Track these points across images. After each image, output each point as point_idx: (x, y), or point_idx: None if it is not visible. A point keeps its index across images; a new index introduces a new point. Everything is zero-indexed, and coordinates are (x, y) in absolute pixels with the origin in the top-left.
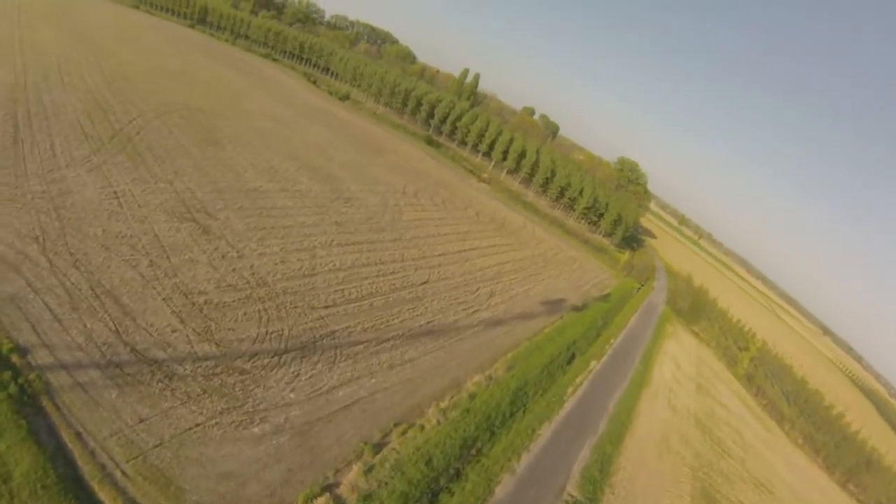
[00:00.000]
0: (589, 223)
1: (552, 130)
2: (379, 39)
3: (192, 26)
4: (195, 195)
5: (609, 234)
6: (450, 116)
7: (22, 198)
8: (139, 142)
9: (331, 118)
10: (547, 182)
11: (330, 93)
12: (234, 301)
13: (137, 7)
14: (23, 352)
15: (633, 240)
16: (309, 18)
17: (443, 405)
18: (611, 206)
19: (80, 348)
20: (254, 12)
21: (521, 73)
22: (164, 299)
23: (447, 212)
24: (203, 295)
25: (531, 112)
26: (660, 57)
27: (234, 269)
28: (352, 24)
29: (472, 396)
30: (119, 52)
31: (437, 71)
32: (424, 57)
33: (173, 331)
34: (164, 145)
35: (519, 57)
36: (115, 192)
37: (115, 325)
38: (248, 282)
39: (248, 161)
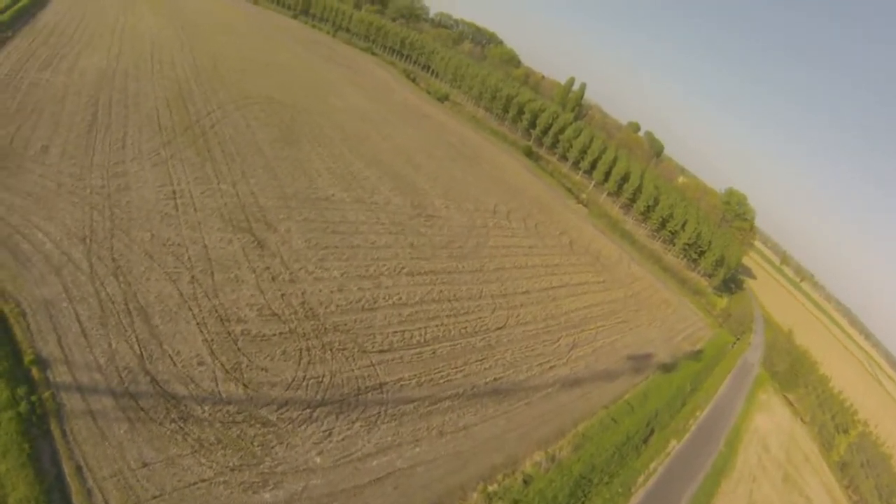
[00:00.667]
0: (688, 259)
1: (657, 150)
2: (484, 40)
3: (294, 17)
4: (258, 201)
5: (708, 275)
6: (552, 128)
7: (81, 192)
8: (212, 136)
9: (425, 120)
10: (648, 210)
11: (428, 92)
12: (274, 334)
13: None
14: (43, 365)
15: (732, 281)
16: (413, 14)
17: (490, 489)
18: (714, 245)
19: (100, 370)
20: (357, 6)
21: (628, 84)
22: (197, 324)
23: (539, 238)
24: (241, 323)
25: (636, 128)
26: (786, 71)
27: (282, 295)
28: (456, 22)
29: (526, 481)
30: (215, 41)
31: (542, 77)
32: (530, 61)
33: (200, 363)
34: (237, 141)
35: (628, 67)
36: (173, 192)
37: (140, 349)
38: (295, 312)
39: (325, 164)
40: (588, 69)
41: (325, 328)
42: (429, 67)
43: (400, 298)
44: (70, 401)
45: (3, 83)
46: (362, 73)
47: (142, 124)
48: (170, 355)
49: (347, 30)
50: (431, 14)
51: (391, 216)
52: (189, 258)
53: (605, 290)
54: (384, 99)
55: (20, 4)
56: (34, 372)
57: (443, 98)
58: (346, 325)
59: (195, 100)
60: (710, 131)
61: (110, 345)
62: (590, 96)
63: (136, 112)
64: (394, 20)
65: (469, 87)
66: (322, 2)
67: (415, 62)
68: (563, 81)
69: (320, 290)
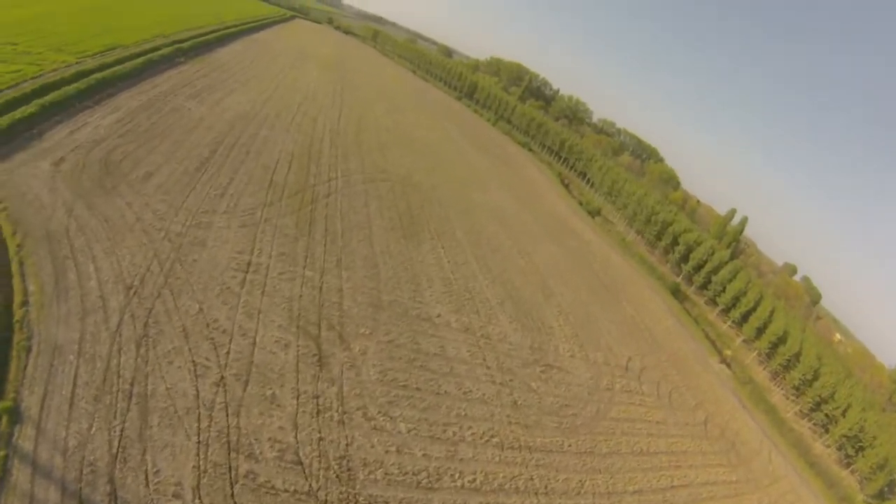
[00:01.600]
0: (842, 453)
1: (813, 298)
2: (644, 154)
3: (458, 98)
4: (342, 302)
5: (865, 479)
6: (706, 266)
7: (155, 234)
8: (322, 208)
9: (571, 236)
10: (803, 384)
11: (580, 203)
12: (287, 490)
13: (414, 71)
14: (16, 419)
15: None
16: (576, 116)
17: None
18: (878, 442)
19: (64, 454)
20: (522, 99)
21: (789, 219)
22: (198, 442)
23: (671, 411)
24: (252, 461)
25: (792, 271)
26: None
27: (320, 439)
28: (619, 131)
29: None
30: (369, 107)
31: (698, 202)
32: (688, 183)
33: (176, 495)
34: (348, 220)
35: (789, 202)
36: (248, 264)
37: (117, 448)
38: (327, 467)
39: (442, 272)
40: (745, 198)
41: (357, 502)
42: (584, 175)
43: (473, 479)
44: (19, 474)
45: (150, 102)
46: (514, 168)
47: (252, 175)
48: (146, 470)
49: (509, 121)
50: (595, 118)
51: (501, 359)
52: (228, 353)
53: (736, 496)
54: (531, 203)
55: (204, 38)
56: (3, 422)
57: (594, 212)
58: (386, 503)
59: (321, 162)
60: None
61: (90, 428)
62: (747, 231)
63: (253, 160)
64: (556, 119)
65: (624, 205)
66: (487, 89)
67: (571, 167)
68: (719, 210)
69: (372, 446)
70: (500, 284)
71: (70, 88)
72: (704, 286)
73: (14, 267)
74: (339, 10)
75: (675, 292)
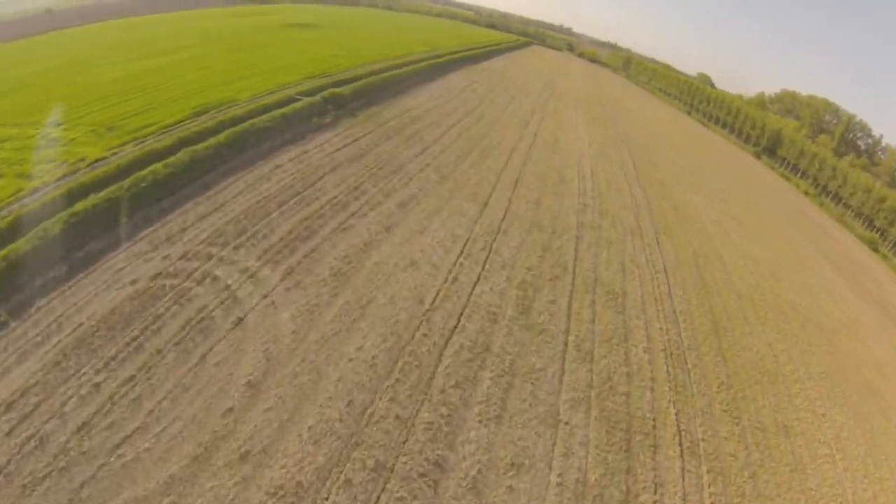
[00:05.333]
0: None
1: None
2: None
3: (757, 155)
4: None
5: None
6: None
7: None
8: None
9: None
10: None
11: None
12: None
13: (689, 112)
14: None
15: None
16: None
17: None
18: None
19: None
20: (836, 152)
21: None
22: None
23: None
24: None
25: None
26: None
27: None
28: None
29: None
30: (688, 220)
31: None
32: None
33: None
34: None
35: None
36: None
37: None
38: None
39: None
40: None
41: None
42: None
43: None
44: None
45: (133, 310)
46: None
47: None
48: None
49: (837, 196)
50: None
51: None
52: None
53: None
54: None
55: (389, 74)
56: None
57: None
58: None
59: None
60: None
61: None
62: None
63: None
64: (891, 186)
65: None
66: (798, 143)
67: None
68: None
69: None
70: None
71: None
72: None
73: None
74: (572, 36)
75: None
